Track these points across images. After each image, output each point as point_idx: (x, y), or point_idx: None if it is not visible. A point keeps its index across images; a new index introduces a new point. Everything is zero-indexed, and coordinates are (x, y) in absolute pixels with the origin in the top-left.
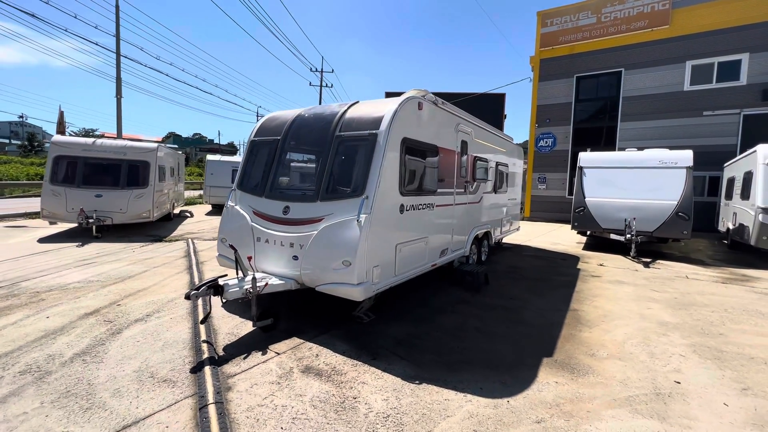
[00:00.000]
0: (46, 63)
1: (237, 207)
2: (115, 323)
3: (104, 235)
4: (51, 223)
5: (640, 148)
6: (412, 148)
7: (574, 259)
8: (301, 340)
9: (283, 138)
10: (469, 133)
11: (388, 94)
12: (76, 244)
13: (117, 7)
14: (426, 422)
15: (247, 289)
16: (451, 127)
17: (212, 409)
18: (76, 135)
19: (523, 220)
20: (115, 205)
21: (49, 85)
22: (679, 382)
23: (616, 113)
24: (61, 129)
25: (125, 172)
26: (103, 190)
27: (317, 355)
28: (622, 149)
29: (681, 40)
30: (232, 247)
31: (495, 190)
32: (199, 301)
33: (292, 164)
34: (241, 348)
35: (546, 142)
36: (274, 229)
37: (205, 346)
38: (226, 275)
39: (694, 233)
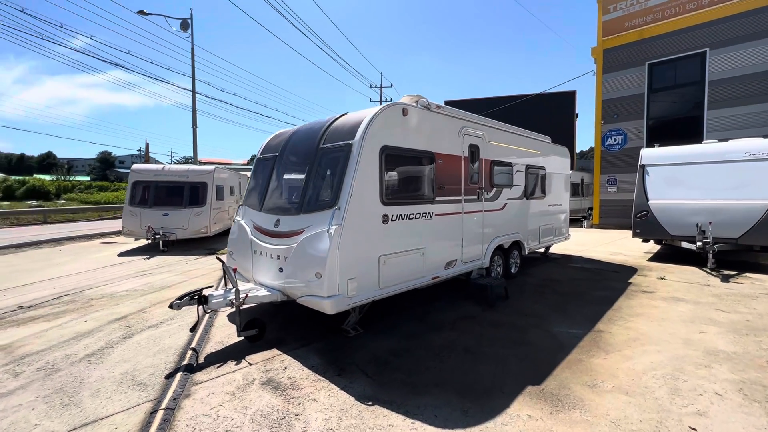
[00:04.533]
0: (159, 101)
1: (242, 221)
2: (132, 328)
3: (170, 249)
4: (136, 239)
5: (723, 140)
6: (396, 156)
7: (629, 272)
8: (279, 352)
9: (280, 154)
10: (481, 136)
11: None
12: (145, 257)
13: (192, 50)
14: None
15: (230, 300)
16: (454, 131)
17: (159, 415)
18: (178, 162)
19: (591, 227)
20: (178, 222)
21: (161, 120)
22: (695, 430)
23: (701, 101)
24: (146, 159)
25: (187, 193)
26: (169, 209)
27: (286, 367)
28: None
29: None
30: (219, 259)
31: (526, 195)
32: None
33: (285, 178)
34: (220, 357)
35: (615, 140)
36: (267, 242)
37: (189, 354)
38: (212, 286)
39: None
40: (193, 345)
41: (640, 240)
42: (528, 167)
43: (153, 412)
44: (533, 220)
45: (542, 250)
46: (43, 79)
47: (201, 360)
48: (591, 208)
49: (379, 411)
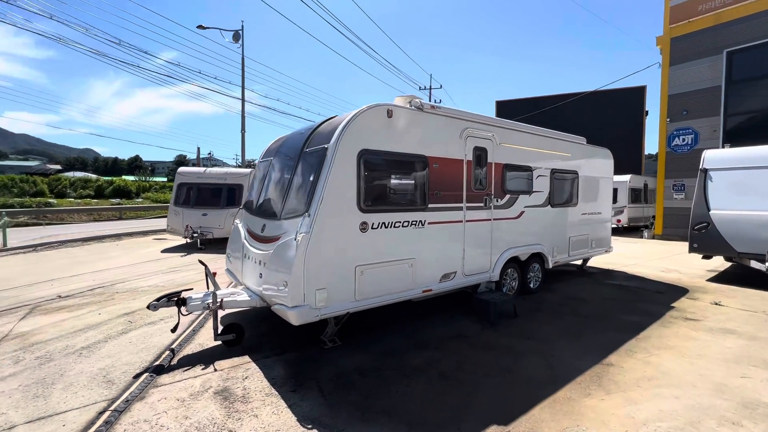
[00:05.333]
0: (230, 109)
1: (239, 225)
2: (133, 324)
3: (207, 247)
4: (184, 237)
5: None
6: (378, 160)
7: (678, 293)
8: (249, 360)
9: (273, 158)
10: (490, 138)
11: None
12: (182, 254)
13: (242, 60)
14: None
15: (207, 303)
16: (455, 133)
17: (104, 416)
18: (240, 166)
19: (653, 238)
20: (215, 222)
21: (232, 126)
22: None
23: None
24: (197, 162)
25: (225, 194)
26: (208, 210)
27: (247, 377)
28: None
29: None
30: (201, 262)
31: (552, 203)
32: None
33: (273, 183)
34: (192, 360)
35: (683, 140)
36: (254, 246)
37: (165, 354)
38: (191, 288)
39: None
40: (173, 346)
41: (700, 256)
42: (554, 171)
43: (102, 413)
44: (561, 230)
45: (578, 262)
46: (135, 92)
47: (174, 361)
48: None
49: None
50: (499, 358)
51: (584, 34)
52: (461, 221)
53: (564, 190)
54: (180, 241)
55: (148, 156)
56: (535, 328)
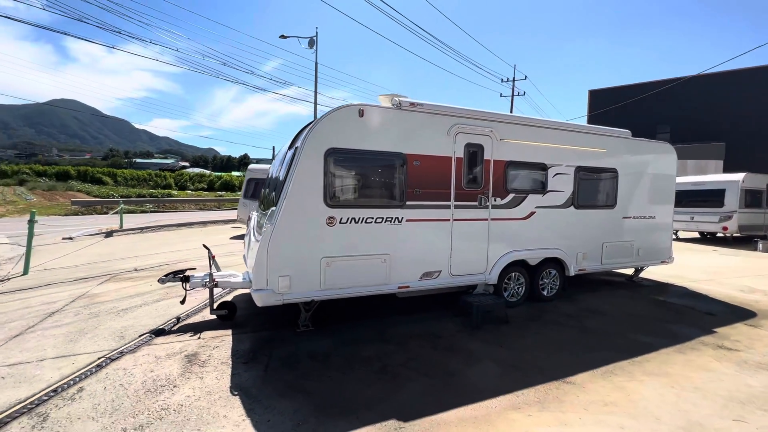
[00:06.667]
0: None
1: (252, 216)
2: (167, 296)
3: None
4: None
5: None
6: (348, 158)
7: (735, 318)
8: (229, 333)
9: (279, 156)
10: (487, 134)
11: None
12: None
13: (316, 64)
14: (185, 426)
15: (205, 282)
16: (441, 130)
17: (99, 361)
18: None
19: None
20: None
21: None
22: None
23: None
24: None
25: None
26: None
27: (217, 347)
28: None
29: None
30: (205, 246)
31: (576, 204)
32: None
33: (272, 179)
34: (189, 328)
35: None
36: (254, 236)
37: (171, 321)
38: (194, 268)
39: None
40: (181, 315)
41: None
42: (580, 169)
43: (101, 358)
44: (590, 234)
45: (629, 272)
46: (246, 97)
47: (175, 328)
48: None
49: (233, 403)
50: (452, 362)
51: (709, 18)
52: (448, 220)
53: (595, 190)
54: None
55: (254, 154)
56: (518, 337)
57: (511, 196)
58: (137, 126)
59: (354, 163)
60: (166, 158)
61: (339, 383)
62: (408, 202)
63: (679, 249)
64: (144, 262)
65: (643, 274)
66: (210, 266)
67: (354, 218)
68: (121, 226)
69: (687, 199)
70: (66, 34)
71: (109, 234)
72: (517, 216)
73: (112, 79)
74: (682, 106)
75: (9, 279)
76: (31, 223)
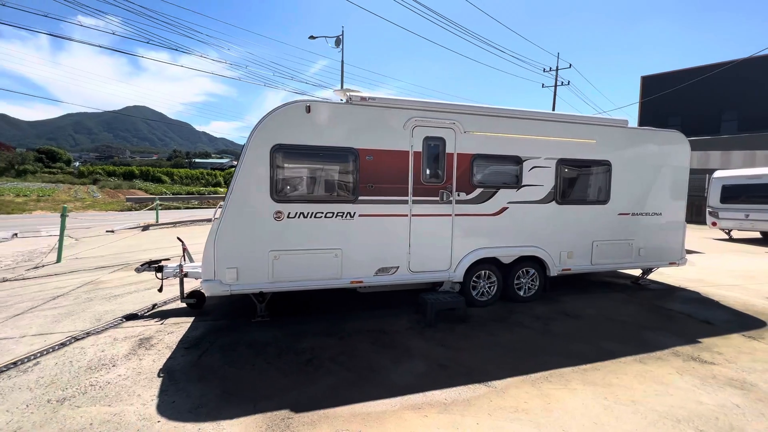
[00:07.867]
0: None
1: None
2: (157, 284)
3: None
4: None
5: None
6: (295, 154)
7: (736, 327)
8: (190, 321)
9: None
10: (450, 126)
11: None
12: None
13: (342, 63)
14: (101, 401)
15: (176, 272)
16: (397, 124)
17: (64, 339)
18: None
19: None
20: None
21: None
22: None
23: None
24: None
25: None
26: None
27: (171, 333)
28: None
29: None
30: (179, 239)
31: (558, 199)
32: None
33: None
34: (159, 314)
35: None
36: None
37: (148, 307)
38: (168, 259)
39: None
40: (157, 302)
41: None
42: (563, 162)
43: (68, 337)
44: (577, 231)
45: (637, 273)
46: (294, 97)
47: (147, 314)
48: None
49: (154, 384)
50: (383, 358)
51: None
52: (406, 215)
53: (583, 184)
54: None
55: None
56: (467, 338)
57: (478, 190)
58: (198, 128)
59: (303, 159)
60: (221, 158)
61: (259, 372)
62: (361, 197)
63: (725, 250)
64: (163, 253)
65: (657, 277)
66: (182, 257)
67: (303, 213)
68: (157, 221)
69: (741, 194)
70: (140, 57)
71: (145, 228)
72: (487, 212)
73: (177, 86)
74: (750, 89)
75: (43, 266)
76: (63, 217)
